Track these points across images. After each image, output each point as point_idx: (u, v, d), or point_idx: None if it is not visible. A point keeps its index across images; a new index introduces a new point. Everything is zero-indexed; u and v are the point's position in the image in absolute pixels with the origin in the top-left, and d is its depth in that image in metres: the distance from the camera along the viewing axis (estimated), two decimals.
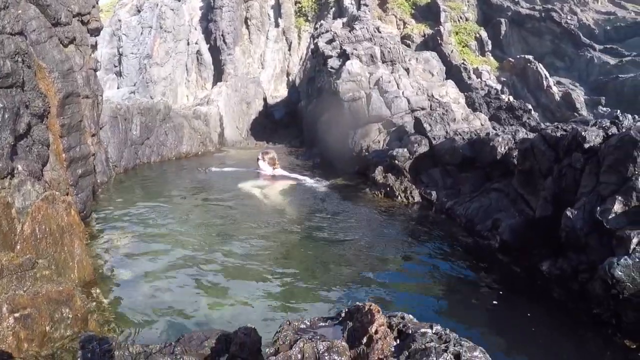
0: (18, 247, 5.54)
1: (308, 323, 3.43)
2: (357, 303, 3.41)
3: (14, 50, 6.20)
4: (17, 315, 4.00)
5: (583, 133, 7.62)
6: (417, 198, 11.82)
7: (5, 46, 6.06)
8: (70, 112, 8.32)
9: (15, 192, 5.86)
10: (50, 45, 8.23)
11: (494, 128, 15.29)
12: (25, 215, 5.74)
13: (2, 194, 5.57)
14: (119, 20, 27.66)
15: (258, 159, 14.78)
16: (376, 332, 3.04)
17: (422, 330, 3.16)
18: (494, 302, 6.93)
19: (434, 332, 3.17)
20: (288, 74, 29.31)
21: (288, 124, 24.42)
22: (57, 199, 6.16)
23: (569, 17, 26.37)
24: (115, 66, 26.82)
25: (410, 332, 3.16)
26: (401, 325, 3.26)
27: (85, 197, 8.81)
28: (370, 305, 3.23)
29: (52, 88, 7.94)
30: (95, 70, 10.54)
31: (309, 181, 13.86)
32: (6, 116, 5.91)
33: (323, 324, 3.43)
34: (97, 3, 10.89)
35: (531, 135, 10.74)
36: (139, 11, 29.02)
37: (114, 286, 6.68)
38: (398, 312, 3.43)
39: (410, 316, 3.44)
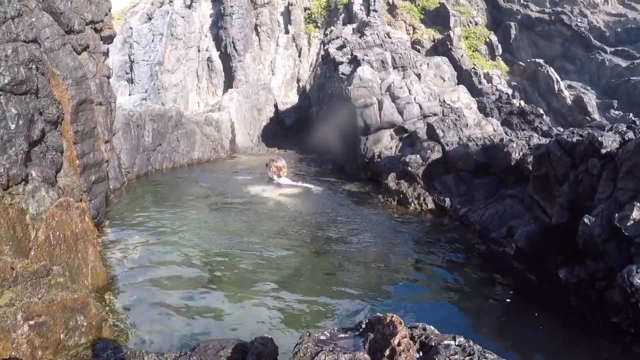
0: (32, 253, 5.53)
1: (328, 334, 3.36)
2: (378, 314, 3.34)
3: (28, 58, 6.19)
4: (31, 322, 3.97)
5: (599, 138, 7.53)
6: (431, 205, 11.74)
7: (19, 53, 6.05)
8: (84, 118, 8.33)
9: (30, 199, 5.85)
10: (63, 53, 8.24)
11: (505, 133, 15.22)
12: (40, 222, 5.73)
13: (16, 200, 5.56)
14: (130, 28, 27.80)
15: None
16: (399, 344, 2.97)
17: (446, 342, 3.09)
18: (510, 310, 6.86)
19: (457, 344, 3.10)
20: (298, 80, 29.33)
21: (299, 130, 24.41)
22: (71, 206, 6.15)
23: (579, 20, 26.15)
24: (127, 73, 26.94)
25: (433, 344, 3.10)
26: (423, 337, 3.20)
27: (99, 204, 8.81)
28: (392, 317, 3.17)
29: (66, 95, 7.95)
30: (108, 77, 10.55)
31: (318, 188, 13.75)
32: (20, 123, 5.90)
33: (343, 336, 3.37)
34: (110, 11, 10.90)
35: (545, 141, 10.67)
36: (149, 19, 29.16)
37: (126, 292, 6.64)
38: (419, 323, 3.37)
39: (432, 327, 3.37)
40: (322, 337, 3.31)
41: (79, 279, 6.00)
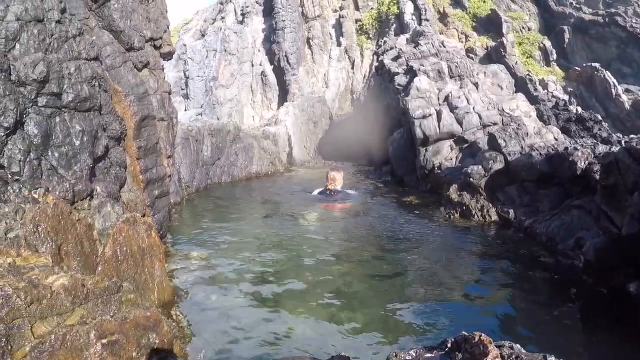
0: (99, 269, 5.56)
1: (414, 354, 3.23)
2: (464, 333, 3.20)
3: (91, 75, 6.29)
4: (105, 341, 3.93)
5: None
6: (495, 217, 11.45)
7: (82, 71, 6.14)
8: (147, 134, 8.41)
9: (96, 214, 5.90)
10: (125, 70, 8.34)
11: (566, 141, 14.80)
12: (107, 237, 5.77)
13: (82, 215, 5.61)
14: (185, 45, 28.33)
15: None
16: None
17: None
18: (579, 325, 6.64)
19: None
20: (352, 93, 29.25)
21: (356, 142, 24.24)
22: (138, 221, 6.18)
23: (634, 21, 25.12)
24: (182, 89, 27.42)
25: None
26: (513, 356, 3.03)
27: (162, 218, 8.87)
28: (481, 336, 3.01)
29: (129, 111, 8.03)
30: (169, 93, 10.65)
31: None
32: (85, 139, 5.98)
33: (429, 355, 3.23)
34: (169, 28, 11.03)
35: (607, 148, 10.32)
36: (203, 35, 29.71)
37: (193, 308, 6.62)
38: (505, 342, 3.20)
39: (518, 346, 3.20)
40: (408, 357, 3.19)
41: (146, 295, 6.00)
